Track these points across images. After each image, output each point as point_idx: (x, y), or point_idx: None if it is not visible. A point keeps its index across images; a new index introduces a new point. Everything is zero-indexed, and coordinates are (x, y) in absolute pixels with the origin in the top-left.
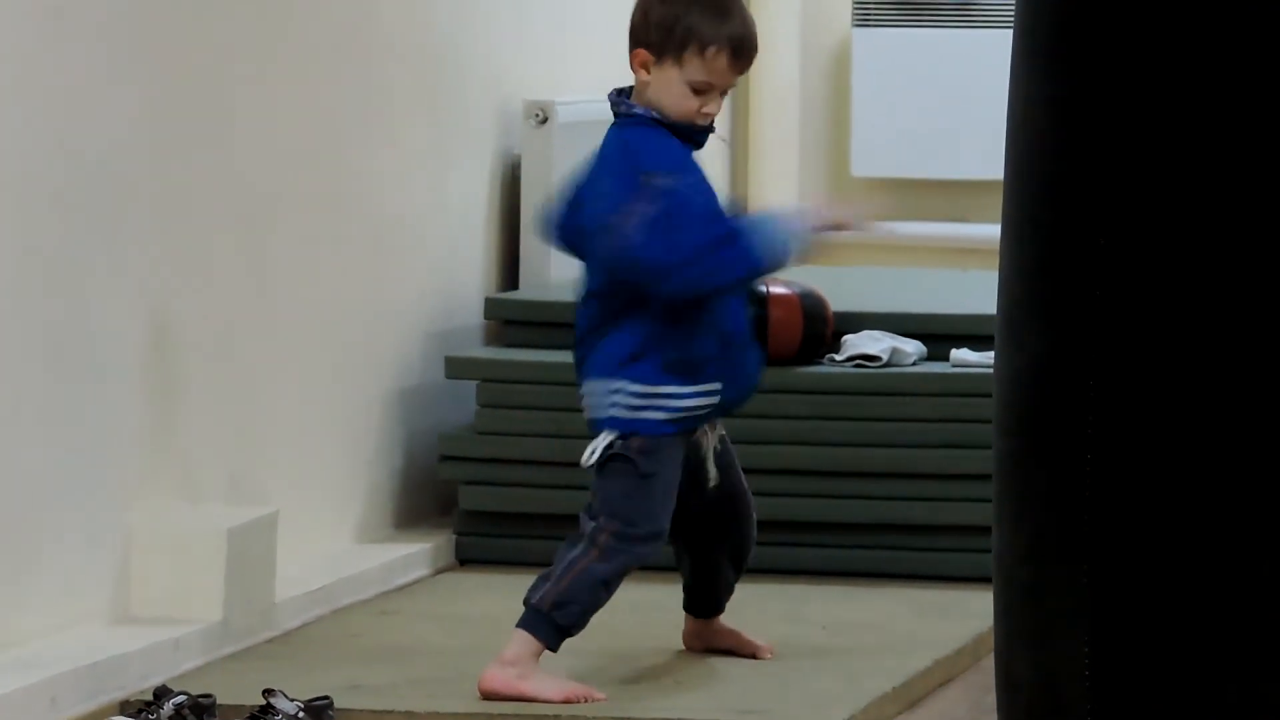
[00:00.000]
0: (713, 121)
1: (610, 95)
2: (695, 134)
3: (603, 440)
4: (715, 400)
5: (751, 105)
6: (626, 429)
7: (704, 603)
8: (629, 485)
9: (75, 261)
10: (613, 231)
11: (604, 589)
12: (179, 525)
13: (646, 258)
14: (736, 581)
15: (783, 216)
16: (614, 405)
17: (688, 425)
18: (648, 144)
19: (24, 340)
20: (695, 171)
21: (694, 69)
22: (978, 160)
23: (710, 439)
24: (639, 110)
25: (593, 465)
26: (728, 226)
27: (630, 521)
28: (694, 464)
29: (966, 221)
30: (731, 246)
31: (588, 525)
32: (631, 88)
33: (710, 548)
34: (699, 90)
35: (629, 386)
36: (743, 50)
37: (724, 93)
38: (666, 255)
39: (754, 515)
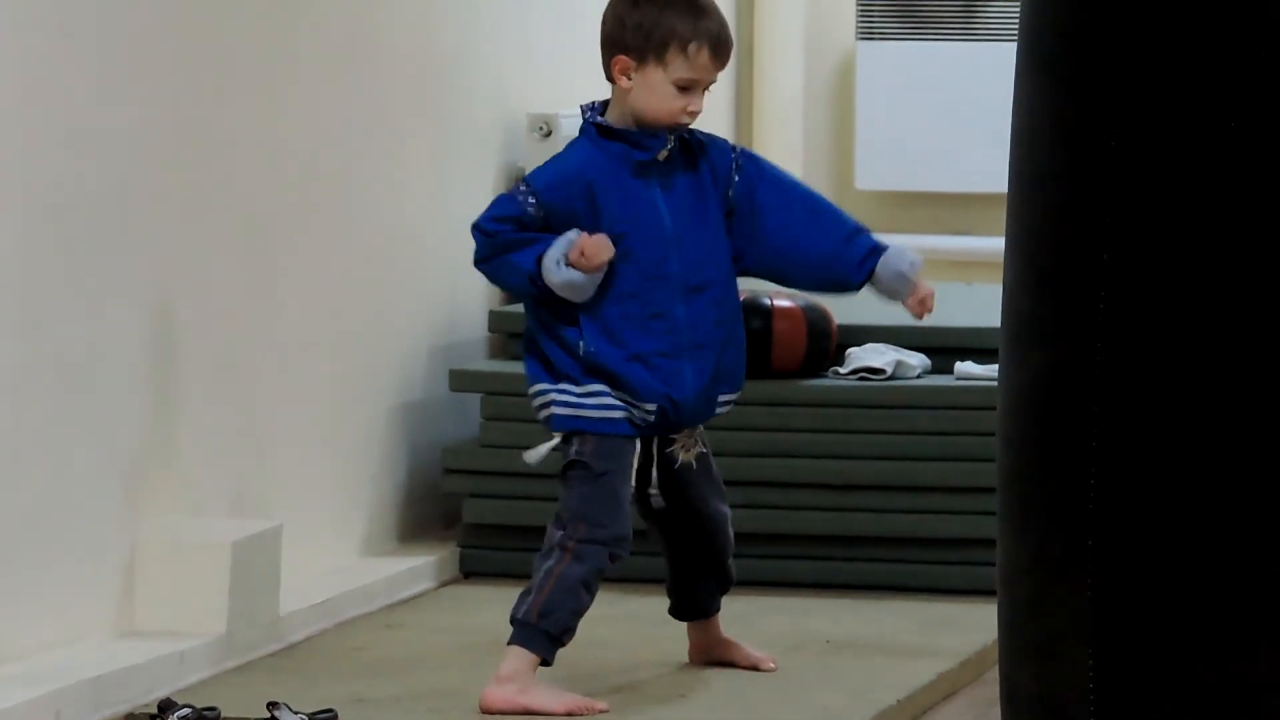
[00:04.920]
0: (687, 126)
1: (583, 106)
2: (645, 139)
3: (547, 443)
4: (652, 416)
5: (756, 118)
6: (570, 427)
7: (684, 606)
8: (586, 489)
9: (79, 275)
10: None
11: (584, 590)
12: (183, 539)
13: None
14: (723, 590)
15: (560, 243)
16: (554, 405)
17: (624, 428)
18: (557, 159)
19: (29, 354)
20: (609, 184)
21: (678, 67)
22: (982, 173)
23: (680, 455)
24: (587, 119)
25: (558, 475)
26: (500, 238)
27: (595, 522)
28: (662, 470)
29: (971, 235)
30: (507, 257)
31: (555, 535)
32: (606, 101)
33: (683, 558)
34: (684, 88)
35: (565, 386)
36: (721, 45)
37: (705, 89)
38: (476, 255)
39: (728, 532)
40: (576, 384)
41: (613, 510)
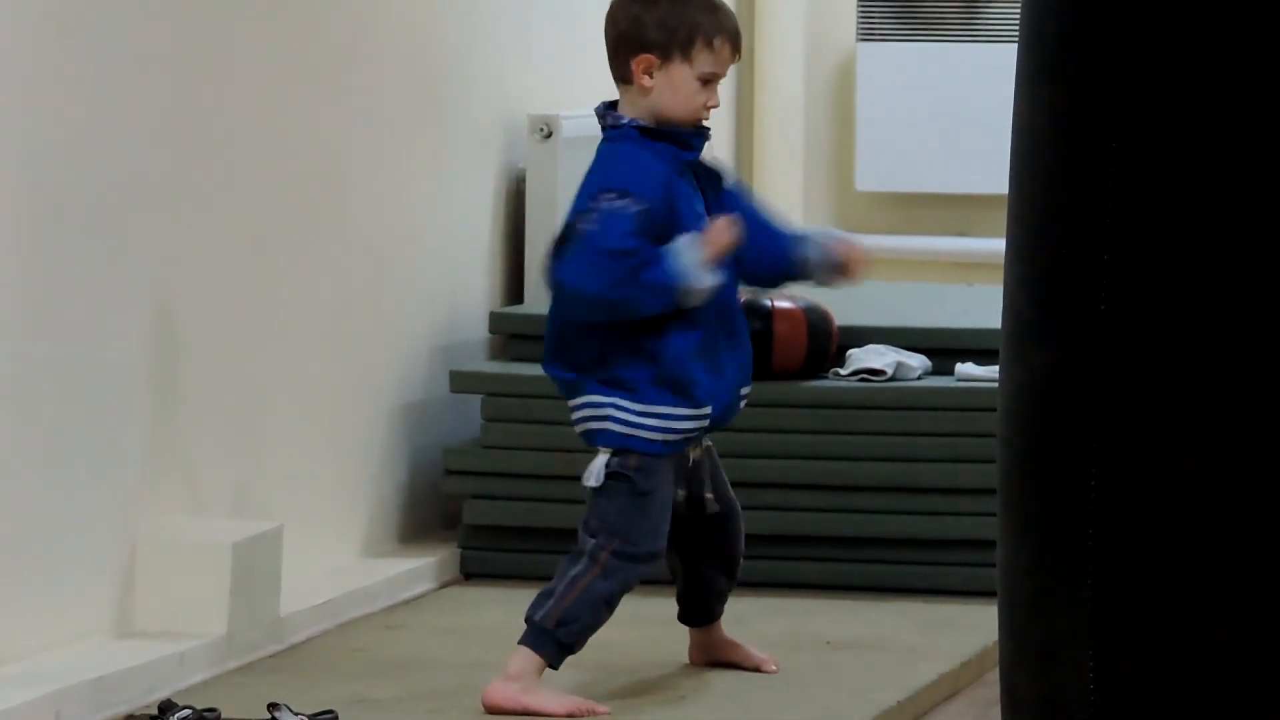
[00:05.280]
0: (707, 124)
1: (598, 109)
2: (692, 138)
3: (600, 458)
4: (706, 421)
5: (756, 119)
6: (621, 445)
7: (696, 612)
8: (627, 503)
9: (79, 275)
10: (550, 253)
11: (605, 607)
12: (184, 539)
13: (565, 281)
14: (730, 590)
15: (690, 245)
16: (610, 420)
17: (679, 446)
18: (623, 161)
19: (29, 355)
20: (674, 184)
21: (704, 61)
22: (982, 175)
23: (691, 453)
24: (625, 122)
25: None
26: (638, 257)
27: (630, 540)
28: (680, 477)
29: (971, 236)
30: (638, 278)
31: (588, 542)
32: (616, 101)
33: (699, 560)
34: (705, 82)
35: (623, 404)
36: (739, 38)
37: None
38: (580, 281)
39: (741, 527)
40: (638, 399)
41: (651, 530)
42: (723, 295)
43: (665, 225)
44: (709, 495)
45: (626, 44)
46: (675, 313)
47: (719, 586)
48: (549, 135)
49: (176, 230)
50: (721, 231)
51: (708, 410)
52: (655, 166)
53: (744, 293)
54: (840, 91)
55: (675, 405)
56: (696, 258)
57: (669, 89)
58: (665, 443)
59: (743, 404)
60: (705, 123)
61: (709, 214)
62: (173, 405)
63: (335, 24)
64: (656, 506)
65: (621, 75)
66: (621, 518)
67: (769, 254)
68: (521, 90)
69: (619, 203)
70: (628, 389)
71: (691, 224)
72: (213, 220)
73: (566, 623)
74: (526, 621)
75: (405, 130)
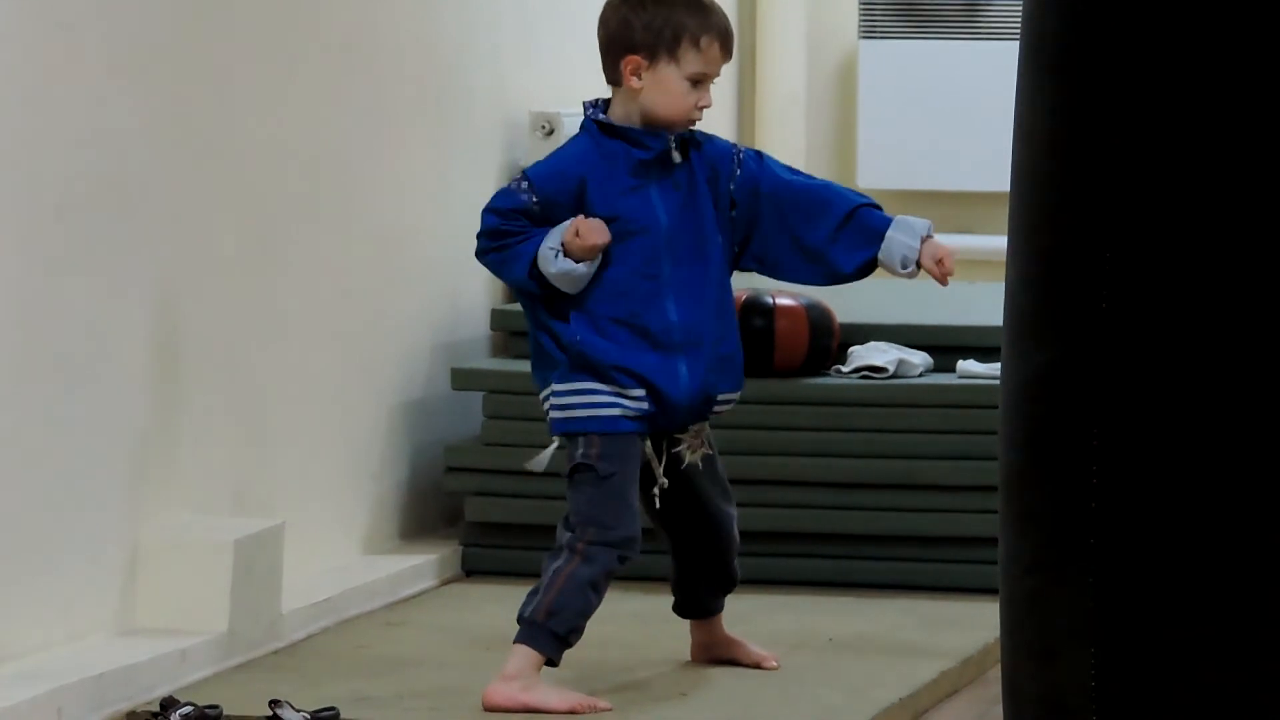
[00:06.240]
0: (697, 122)
1: (585, 104)
2: (649, 138)
3: (551, 446)
4: (641, 406)
5: (758, 116)
6: (566, 430)
7: (688, 605)
8: (593, 491)
9: (80, 273)
10: None
11: (592, 591)
12: (186, 537)
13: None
14: (725, 593)
15: (555, 232)
16: (553, 409)
17: (623, 426)
18: (554, 155)
19: (30, 352)
20: (602, 184)
21: (691, 62)
22: (984, 172)
23: (689, 454)
24: (588, 115)
25: (565, 476)
26: (499, 228)
27: (605, 525)
28: (669, 470)
29: (972, 233)
30: (507, 250)
31: (564, 536)
32: (607, 99)
33: (690, 559)
34: (695, 82)
35: (556, 388)
36: (729, 37)
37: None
38: (476, 248)
39: (734, 538)
40: (564, 381)
41: (621, 512)
42: (690, 303)
43: (565, 217)
44: (655, 492)
45: (615, 46)
46: (580, 309)
47: (709, 585)
48: (550, 132)
49: (177, 228)
50: (587, 225)
51: (639, 393)
52: (579, 165)
53: (741, 292)
54: (842, 89)
55: (601, 386)
56: (551, 243)
57: (657, 90)
58: (597, 419)
59: (722, 408)
60: (698, 122)
61: (709, 208)
62: (174, 403)
63: (335, 23)
64: (622, 489)
65: (612, 77)
66: (591, 506)
67: (805, 252)
68: (522, 87)
69: (518, 182)
70: (558, 374)
71: (615, 222)
72: (215, 218)
73: (557, 612)
74: (519, 621)
75: (406, 128)
